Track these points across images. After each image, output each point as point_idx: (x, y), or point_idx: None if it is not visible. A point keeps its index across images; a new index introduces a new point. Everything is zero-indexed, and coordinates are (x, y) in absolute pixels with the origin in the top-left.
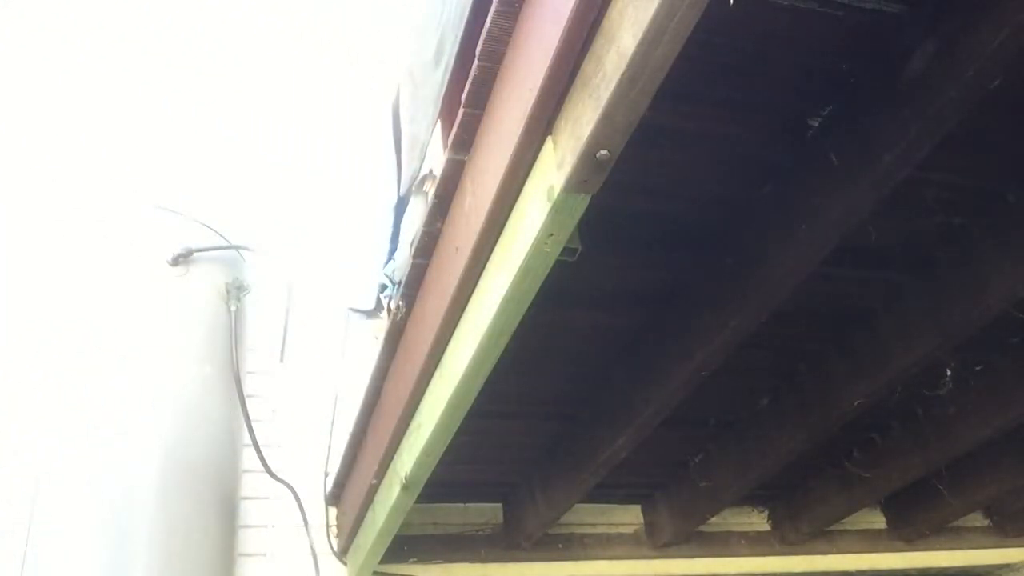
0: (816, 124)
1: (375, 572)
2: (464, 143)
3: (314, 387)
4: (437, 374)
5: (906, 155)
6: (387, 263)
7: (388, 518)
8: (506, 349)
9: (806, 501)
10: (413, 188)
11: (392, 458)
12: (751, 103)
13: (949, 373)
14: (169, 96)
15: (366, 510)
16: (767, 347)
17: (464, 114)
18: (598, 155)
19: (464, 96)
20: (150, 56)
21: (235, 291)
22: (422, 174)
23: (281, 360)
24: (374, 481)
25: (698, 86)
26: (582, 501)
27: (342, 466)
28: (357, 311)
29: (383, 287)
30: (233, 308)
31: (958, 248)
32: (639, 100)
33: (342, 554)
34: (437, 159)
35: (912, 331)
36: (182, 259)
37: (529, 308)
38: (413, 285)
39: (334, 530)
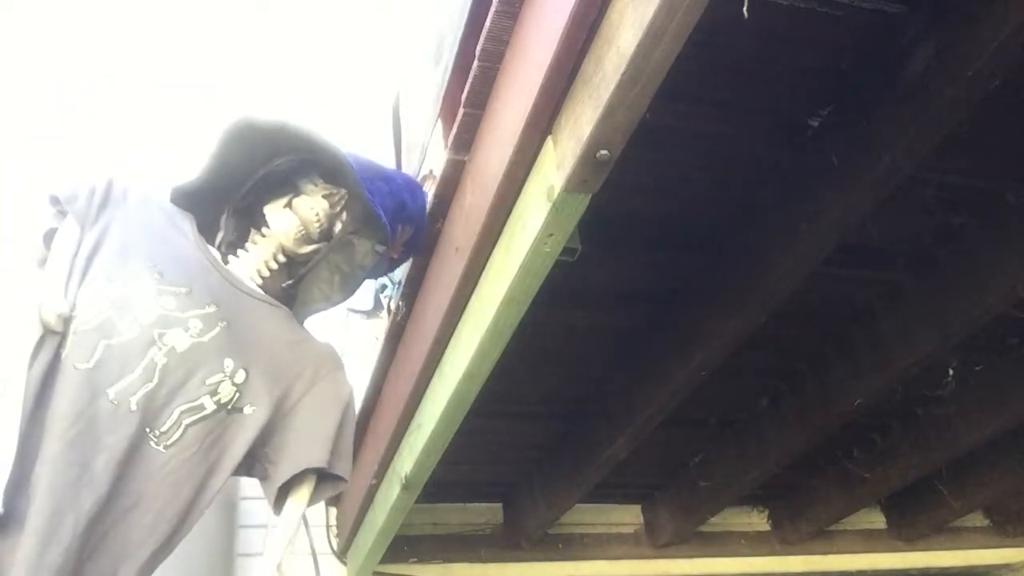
0: (816, 124)
1: (375, 572)
2: (464, 143)
3: None
4: (437, 374)
5: (906, 155)
6: None
7: (388, 518)
8: (506, 349)
9: (806, 501)
10: None
11: (392, 458)
12: (751, 103)
13: (952, 372)
14: (168, 95)
15: (366, 510)
16: (767, 347)
17: (464, 114)
18: (598, 155)
19: (464, 96)
20: (147, 58)
21: None
22: (422, 174)
23: None
24: (374, 481)
25: (698, 86)
26: (582, 501)
27: None
28: (357, 311)
29: (383, 287)
30: None
31: (958, 248)
32: (639, 100)
33: (342, 554)
34: (437, 159)
35: (912, 331)
36: None
37: (529, 308)
38: (413, 285)
39: (334, 530)
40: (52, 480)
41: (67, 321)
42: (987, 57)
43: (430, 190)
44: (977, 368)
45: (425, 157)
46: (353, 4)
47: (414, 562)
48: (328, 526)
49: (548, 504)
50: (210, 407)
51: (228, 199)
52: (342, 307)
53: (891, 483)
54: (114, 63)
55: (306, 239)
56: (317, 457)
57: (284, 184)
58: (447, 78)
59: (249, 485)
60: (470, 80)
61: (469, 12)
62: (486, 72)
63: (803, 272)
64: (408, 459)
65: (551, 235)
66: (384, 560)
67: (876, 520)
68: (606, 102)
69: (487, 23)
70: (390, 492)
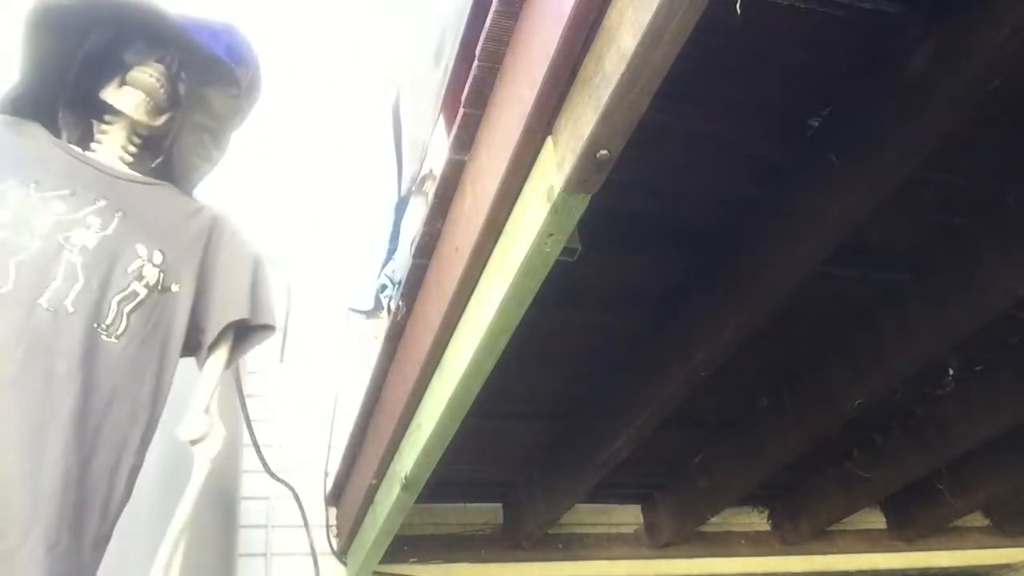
0: (816, 124)
1: (375, 572)
2: (464, 143)
3: (314, 387)
4: (437, 374)
5: (906, 155)
6: (387, 263)
7: (388, 518)
8: (506, 349)
9: (806, 501)
10: (413, 188)
11: (392, 458)
12: (751, 103)
13: (952, 372)
14: None
15: (366, 510)
16: (767, 347)
17: (464, 114)
18: (598, 155)
19: (464, 96)
20: None
21: None
22: (422, 174)
23: (281, 360)
24: (374, 481)
25: (698, 86)
26: (582, 501)
27: (342, 466)
28: (357, 311)
29: (383, 287)
30: None
31: (958, 248)
32: (639, 100)
33: (342, 554)
34: (438, 159)
35: (912, 331)
36: None
37: (529, 308)
38: (413, 285)
39: (334, 530)
40: (19, 399)
41: None
42: (987, 57)
43: (430, 190)
44: (977, 368)
45: (426, 157)
46: (353, 4)
47: (414, 562)
48: (328, 526)
49: (548, 504)
50: (142, 291)
51: (58, 94)
52: (342, 307)
53: (891, 483)
54: None
55: (156, 109)
56: (238, 310)
57: (109, 64)
58: (448, 78)
59: (249, 485)
60: (470, 80)
61: (469, 12)
62: (486, 72)
63: (803, 272)
64: (408, 459)
65: (551, 235)
66: (384, 560)
67: (876, 520)
68: (606, 102)
69: (487, 23)
70: (390, 492)
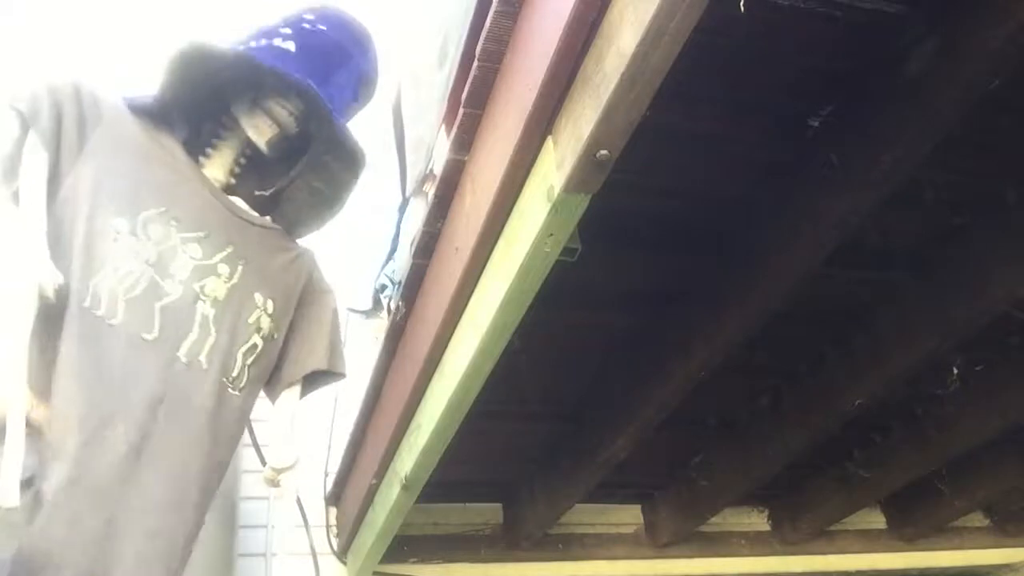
0: (816, 124)
1: (375, 572)
2: (464, 143)
3: None
4: (437, 374)
5: (906, 155)
6: (387, 263)
7: (388, 518)
8: (507, 349)
9: (806, 501)
10: (415, 189)
11: (392, 458)
12: (751, 103)
13: (956, 371)
14: None
15: (366, 510)
16: (767, 347)
17: (464, 114)
18: (598, 155)
19: (464, 96)
20: (146, 57)
21: None
22: (425, 174)
23: None
24: (374, 481)
25: (698, 86)
26: (582, 501)
27: (342, 466)
28: (357, 311)
29: (383, 287)
30: None
31: (958, 248)
32: (639, 100)
33: (342, 554)
34: (442, 159)
35: (912, 331)
36: None
37: (529, 308)
38: (413, 285)
39: (334, 530)
40: (167, 456)
41: (88, 280)
42: (987, 57)
43: (430, 190)
44: (977, 368)
45: (431, 157)
46: (353, 3)
47: (414, 562)
48: (328, 526)
49: (548, 504)
50: (260, 343)
51: (188, 105)
52: (342, 307)
53: (891, 483)
54: (113, 64)
55: (280, 137)
56: (320, 361)
57: (245, 85)
58: (451, 79)
59: (249, 485)
60: (470, 80)
61: (472, 13)
62: (486, 72)
63: (803, 272)
64: (408, 459)
65: (551, 235)
66: (384, 560)
67: (876, 520)
68: (606, 102)
69: (487, 23)
70: (390, 492)
